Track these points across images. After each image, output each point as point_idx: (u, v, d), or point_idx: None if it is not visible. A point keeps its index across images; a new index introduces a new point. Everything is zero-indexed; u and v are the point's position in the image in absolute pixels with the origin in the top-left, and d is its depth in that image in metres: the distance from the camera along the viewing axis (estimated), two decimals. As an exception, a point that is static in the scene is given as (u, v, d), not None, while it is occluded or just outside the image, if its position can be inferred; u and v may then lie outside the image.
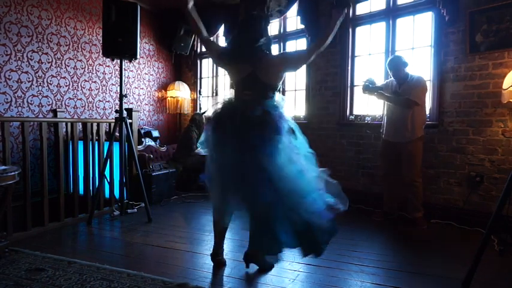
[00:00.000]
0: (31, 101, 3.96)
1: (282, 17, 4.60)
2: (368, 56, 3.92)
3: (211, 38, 5.58)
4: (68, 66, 4.34)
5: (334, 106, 4.07)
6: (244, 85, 2.08)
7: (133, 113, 3.74)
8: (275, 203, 1.84)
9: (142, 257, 2.39)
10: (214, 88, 5.70)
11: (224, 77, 5.57)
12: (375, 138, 3.73)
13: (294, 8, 4.33)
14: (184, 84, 5.79)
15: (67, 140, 3.58)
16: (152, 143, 4.70)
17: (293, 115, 4.55)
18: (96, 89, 4.71)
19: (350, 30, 3.98)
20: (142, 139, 4.59)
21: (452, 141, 3.25)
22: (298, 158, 1.99)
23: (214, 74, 5.69)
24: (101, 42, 4.08)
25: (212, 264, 2.24)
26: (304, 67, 4.39)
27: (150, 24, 5.49)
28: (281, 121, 1.95)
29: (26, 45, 3.87)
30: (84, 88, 4.55)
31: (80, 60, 4.48)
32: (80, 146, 3.34)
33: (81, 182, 3.38)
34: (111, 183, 3.40)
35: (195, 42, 5.73)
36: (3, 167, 2.23)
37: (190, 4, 2.20)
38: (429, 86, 3.42)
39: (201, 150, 4.66)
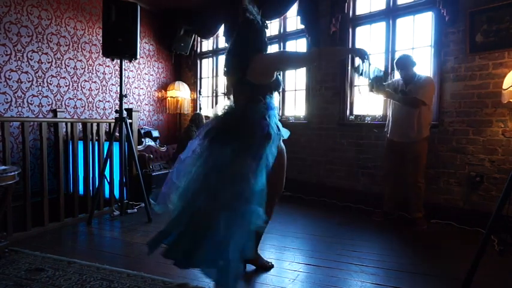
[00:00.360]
0: (31, 101, 3.96)
1: (282, 17, 4.60)
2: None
3: (212, 38, 5.59)
4: (68, 66, 4.34)
5: (334, 106, 4.07)
6: (234, 90, 2.07)
7: (133, 113, 3.74)
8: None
9: (142, 257, 2.39)
10: (214, 88, 5.70)
11: (224, 77, 5.56)
12: (375, 138, 3.73)
13: (294, 8, 4.33)
14: (184, 84, 5.79)
15: (67, 140, 3.58)
16: (152, 143, 4.70)
17: (293, 115, 4.55)
18: (96, 89, 4.71)
19: (350, 30, 3.98)
20: (142, 139, 4.58)
21: (452, 141, 3.25)
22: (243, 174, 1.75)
23: (214, 74, 5.69)
24: (101, 42, 4.08)
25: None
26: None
27: (150, 24, 5.49)
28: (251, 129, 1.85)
29: (26, 45, 3.88)
30: (84, 88, 4.55)
31: (80, 60, 4.48)
32: (80, 146, 3.34)
33: (81, 182, 3.38)
34: (111, 183, 3.40)
35: (195, 42, 5.73)
36: (3, 167, 2.23)
37: None
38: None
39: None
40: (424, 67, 3.48)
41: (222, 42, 5.46)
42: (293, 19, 4.57)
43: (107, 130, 3.87)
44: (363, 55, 2.03)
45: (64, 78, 4.30)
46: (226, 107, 2.07)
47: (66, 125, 3.61)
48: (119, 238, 2.85)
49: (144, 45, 5.41)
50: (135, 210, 3.47)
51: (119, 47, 3.06)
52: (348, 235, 2.86)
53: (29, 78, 3.92)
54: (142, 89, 5.47)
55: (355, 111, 4.03)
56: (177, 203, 1.90)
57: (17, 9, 3.79)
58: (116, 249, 2.59)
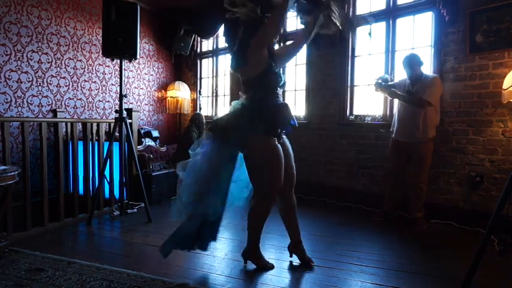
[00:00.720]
0: (31, 101, 3.96)
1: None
2: (368, 56, 3.92)
3: (212, 38, 5.59)
4: (68, 66, 4.33)
5: (334, 106, 4.07)
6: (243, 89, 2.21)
7: (133, 113, 3.74)
8: None
9: (142, 257, 2.39)
10: (214, 88, 5.70)
11: (224, 77, 5.57)
12: (375, 138, 3.73)
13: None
14: (184, 84, 5.79)
15: (67, 140, 3.58)
16: (152, 143, 4.70)
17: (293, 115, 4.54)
18: (96, 89, 4.71)
19: (350, 30, 3.97)
20: (142, 139, 4.58)
21: (452, 141, 3.25)
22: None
23: (214, 74, 5.69)
24: (100, 42, 4.07)
25: (212, 264, 2.24)
26: (304, 67, 4.41)
27: (150, 24, 5.49)
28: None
29: (25, 45, 3.87)
30: (84, 88, 4.55)
31: (80, 60, 4.48)
32: (80, 146, 3.34)
33: (81, 182, 3.38)
34: (111, 183, 3.40)
35: (195, 42, 5.73)
36: (3, 167, 2.23)
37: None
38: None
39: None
40: (424, 67, 3.47)
41: (222, 42, 5.46)
42: (293, 19, 4.57)
43: (107, 130, 3.86)
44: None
45: (64, 78, 4.29)
46: (231, 106, 2.20)
47: (66, 125, 3.61)
48: (119, 238, 2.85)
49: (144, 45, 5.40)
50: (135, 210, 3.47)
51: (118, 47, 3.06)
52: (348, 235, 2.86)
53: (28, 78, 3.92)
54: (142, 89, 5.47)
55: (355, 111, 4.03)
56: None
57: (17, 9, 3.78)
58: (116, 249, 2.59)
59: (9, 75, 3.74)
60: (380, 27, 3.78)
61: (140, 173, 3.32)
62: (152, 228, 3.02)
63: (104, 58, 4.55)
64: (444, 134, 3.29)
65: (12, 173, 2.21)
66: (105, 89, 4.84)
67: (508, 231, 2.61)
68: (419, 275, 2.13)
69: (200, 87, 5.90)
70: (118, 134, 3.28)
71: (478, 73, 3.10)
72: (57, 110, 3.88)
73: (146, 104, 5.56)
